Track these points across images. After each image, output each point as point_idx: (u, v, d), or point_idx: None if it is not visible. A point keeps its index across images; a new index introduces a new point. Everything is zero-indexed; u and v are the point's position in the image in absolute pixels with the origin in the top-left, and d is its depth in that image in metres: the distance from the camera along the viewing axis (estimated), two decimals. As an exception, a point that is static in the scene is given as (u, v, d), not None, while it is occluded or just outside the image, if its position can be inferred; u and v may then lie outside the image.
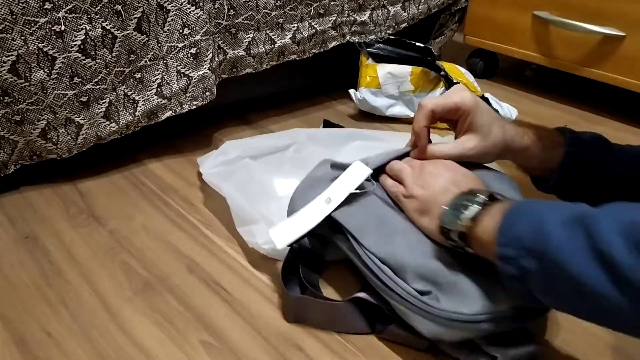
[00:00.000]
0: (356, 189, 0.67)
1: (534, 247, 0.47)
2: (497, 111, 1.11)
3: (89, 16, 0.82)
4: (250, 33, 1.04)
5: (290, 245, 0.66)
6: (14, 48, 0.78)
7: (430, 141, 0.72)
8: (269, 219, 0.74)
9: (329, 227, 0.68)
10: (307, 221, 0.66)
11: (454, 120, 0.72)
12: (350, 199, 0.67)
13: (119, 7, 0.85)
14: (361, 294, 0.64)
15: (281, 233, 0.66)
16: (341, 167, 0.71)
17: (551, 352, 0.62)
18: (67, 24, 0.81)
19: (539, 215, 0.48)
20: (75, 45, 0.82)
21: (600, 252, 0.42)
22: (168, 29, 0.91)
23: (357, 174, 0.69)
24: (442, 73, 1.17)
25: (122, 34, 0.87)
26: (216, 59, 0.98)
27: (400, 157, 0.72)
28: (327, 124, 1.12)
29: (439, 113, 0.71)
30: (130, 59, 0.89)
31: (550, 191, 0.77)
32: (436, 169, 0.67)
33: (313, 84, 1.28)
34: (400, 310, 0.60)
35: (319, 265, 0.74)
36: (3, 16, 0.76)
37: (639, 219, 0.41)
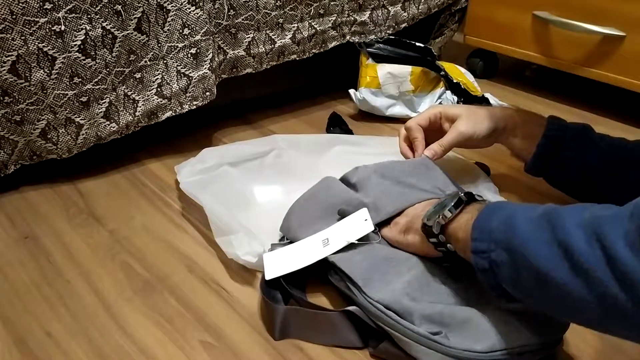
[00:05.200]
0: (358, 239, 0.66)
1: (504, 239, 0.50)
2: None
3: (89, 16, 0.82)
4: (250, 33, 1.04)
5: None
6: (14, 48, 0.78)
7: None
8: (248, 229, 0.72)
9: (324, 267, 0.67)
10: (300, 258, 0.66)
11: (441, 130, 0.82)
12: (353, 246, 0.66)
13: (119, 7, 0.85)
14: (352, 308, 0.62)
15: (274, 262, 0.67)
16: (347, 214, 0.70)
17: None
18: (67, 24, 0.81)
19: (511, 212, 0.52)
20: (75, 45, 0.82)
21: (560, 241, 0.45)
22: (168, 29, 0.90)
23: (360, 224, 0.68)
24: (442, 73, 1.17)
25: (122, 34, 0.86)
26: (216, 59, 0.98)
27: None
28: (334, 119, 1.12)
29: (424, 125, 0.82)
30: (130, 59, 0.89)
31: (532, 171, 0.82)
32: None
33: (313, 84, 1.28)
34: (404, 341, 0.58)
35: (303, 276, 0.69)
36: (3, 16, 0.76)
37: (598, 215, 0.44)
